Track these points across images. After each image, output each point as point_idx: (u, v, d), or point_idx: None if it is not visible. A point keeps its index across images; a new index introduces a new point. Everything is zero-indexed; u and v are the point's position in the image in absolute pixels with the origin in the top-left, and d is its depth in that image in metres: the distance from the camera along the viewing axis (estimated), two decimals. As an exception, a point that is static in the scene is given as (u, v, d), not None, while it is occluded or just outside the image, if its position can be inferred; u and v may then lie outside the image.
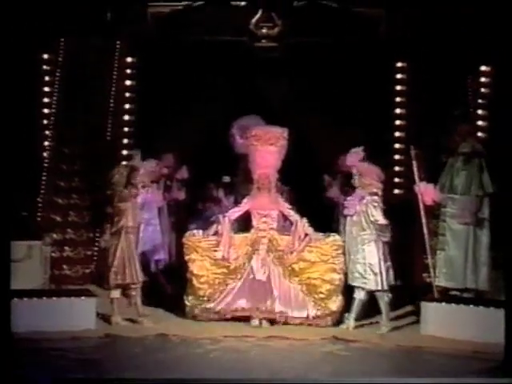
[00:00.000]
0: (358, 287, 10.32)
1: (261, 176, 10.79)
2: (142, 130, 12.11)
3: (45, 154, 11.45)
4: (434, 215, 10.90)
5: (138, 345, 9.78)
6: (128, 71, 12.14)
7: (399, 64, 12.04)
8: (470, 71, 11.46)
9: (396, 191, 12.00)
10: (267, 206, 10.81)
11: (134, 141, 12.09)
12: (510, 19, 9.96)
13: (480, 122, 11.45)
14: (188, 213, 12.31)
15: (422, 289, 10.89)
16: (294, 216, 10.78)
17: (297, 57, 11.93)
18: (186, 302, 10.66)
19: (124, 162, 11.03)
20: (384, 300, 10.36)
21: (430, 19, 11.16)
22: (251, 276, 10.59)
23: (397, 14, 11.30)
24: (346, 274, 10.42)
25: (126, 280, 10.31)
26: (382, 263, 10.29)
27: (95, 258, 11.48)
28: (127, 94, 12.15)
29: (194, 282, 10.60)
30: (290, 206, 10.89)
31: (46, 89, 11.72)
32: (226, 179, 12.36)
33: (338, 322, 10.48)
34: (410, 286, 11.36)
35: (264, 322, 10.50)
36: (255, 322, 10.48)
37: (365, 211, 10.37)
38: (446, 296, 10.45)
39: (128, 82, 12.14)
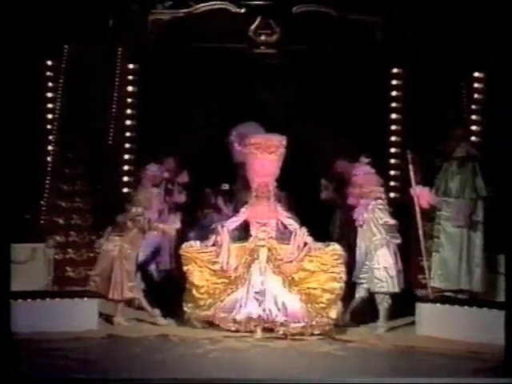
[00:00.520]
0: (377, 293, 10.39)
1: (260, 185, 10.59)
2: (144, 134, 12.11)
3: (48, 159, 11.46)
4: (429, 218, 10.91)
5: (139, 345, 9.79)
6: (129, 77, 12.14)
7: (395, 70, 12.07)
8: (464, 77, 11.49)
9: (392, 195, 12.00)
10: (266, 214, 10.60)
11: (135, 145, 12.11)
12: (506, 22, 10.09)
13: (474, 127, 11.48)
14: (187, 217, 12.24)
15: (418, 290, 10.92)
16: (293, 225, 10.57)
17: (295, 63, 11.94)
18: (186, 309, 10.48)
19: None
20: (383, 305, 10.43)
21: (425, 26, 11.19)
22: (250, 286, 10.36)
23: (393, 21, 11.33)
24: (346, 283, 10.31)
25: (104, 292, 10.38)
26: (395, 266, 10.41)
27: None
28: (129, 100, 12.15)
29: (194, 292, 10.41)
30: (289, 215, 10.70)
31: (50, 94, 11.74)
32: (225, 187, 12.24)
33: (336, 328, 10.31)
34: (405, 288, 11.37)
35: (258, 331, 10.25)
36: (258, 334, 10.22)
37: (372, 216, 10.44)
38: (440, 297, 10.48)
39: (129, 88, 12.14)
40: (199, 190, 12.26)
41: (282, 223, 10.67)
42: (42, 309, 10.05)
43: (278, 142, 10.58)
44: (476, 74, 11.54)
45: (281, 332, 10.18)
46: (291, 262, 10.33)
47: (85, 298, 10.34)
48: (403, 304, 10.61)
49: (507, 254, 8.31)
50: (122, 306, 10.60)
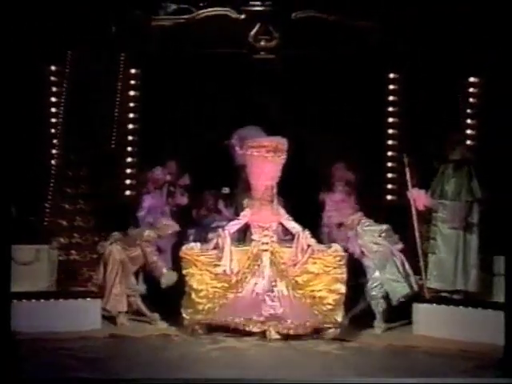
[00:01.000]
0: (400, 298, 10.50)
1: (262, 188, 10.44)
2: (145, 138, 12.14)
3: (52, 162, 11.47)
4: (425, 220, 10.94)
5: (142, 344, 9.87)
6: (132, 82, 12.12)
7: (392, 75, 12.10)
8: (459, 82, 11.52)
9: (389, 197, 12.02)
10: (268, 218, 10.44)
11: (137, 149, 12.13)
12: (502, 24, 10.14)
13: (469, 131, 11.51)
14: (188, 219, 12.21)
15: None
16: (295, 228, 10.42)
17: (294, 68, 11.97)
18: (185, 315, 10.27)
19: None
20: (378, 309, 10.49)
21: (421, 30, 11.19)
22: (253, 290, 10.17)
23: (389, 26, 11.35)
24: (349, 286, 10.28)
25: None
26: (403, 272, 10.59)
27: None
28: (131, 104, 12.13)
29: (193, 296, 10.17)
30: (290, 218, 10.55)
31: (54, 99, 11.73)
32: (226, 190, 12.12)
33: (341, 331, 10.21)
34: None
35: (272, 331, 10.10)
36: (273, 334, 10.06)
37: (367, 239, 10.56)
38: (436, 297, 10.53)
39: (132, 93, 12.12)
40: (199, 193, 12.26)
41: (284, 226, 10.53)
42: (46, 309, 10.13)
43: (279, 144, 10.46)
44: (471, 79, 11.56)
45: (284, 332, 10.08)
46: (295, 265, 10.15)
47: (88, 299, 10.40)
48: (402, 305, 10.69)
49: (507, 255, 8.30)
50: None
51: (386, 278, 10.51)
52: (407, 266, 10.64)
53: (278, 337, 10.05)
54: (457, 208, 10.64)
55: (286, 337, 10.09)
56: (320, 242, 10.72)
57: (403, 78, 11.88)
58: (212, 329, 10.31)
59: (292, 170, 10.98)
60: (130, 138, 12.15)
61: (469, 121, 11.53)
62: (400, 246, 10.74)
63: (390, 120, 12.09)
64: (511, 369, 7.93)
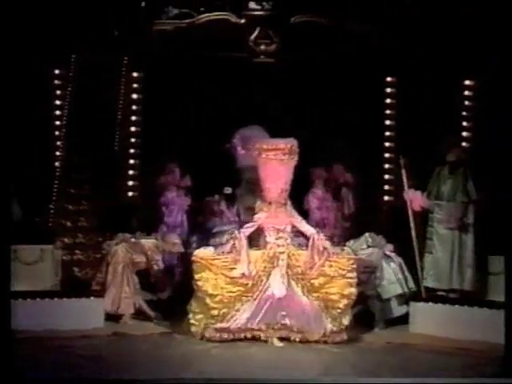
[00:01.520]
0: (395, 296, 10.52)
1: (278, 191, 10.14)
2: (148, 140, 12.16)
3: (56, 164, 11.50)
4: (422, 220, 10.96)
5: (144, 342, 9.87)
6: (134, 85, 12.16)
7: (389, 79, 12.13)
8: (455, 85, 11.55)
9: (386, 198, 12.07)
10: (283, 220, 10.15)
11: (140, 151, 12.16)
12: (499, 27, 10.16)
13: (465, 133, 11.54)
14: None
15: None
16: (310, 230, 10.19)
17: (293, 71, 11.99)
18: (193, 322, 9.90)
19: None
20: (376, 308, 10.51)
21: (422, 34, 11.22)
22: (268, 293, 9.81)
23: (386, 30, 11.37)
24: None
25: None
26: (399, 273, 10.61)
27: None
28: (134, 107, 12.18)
29: (208, 301, 9.76)
30: (304, 220, 10.38)
31: (58, 102, 11.77)
32: (228, 190, 11.99)
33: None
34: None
35: (275, 340, 9.78)
36: (276, 342, 9.74)
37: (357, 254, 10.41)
38: (433, 296, 10.55)
39: (134, 96, 12.17)
40: (202, 195, 12.25)
41: (296, 228, 10.28)
42: (50, 308, 10.12)
43: (293, 146, 10.19)
44: (467, 82, 11.59)
45: (297, 339, 9.79)
46: (311, 267, 9.88)
47: (91, 298, 10.41)
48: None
49: (507, 255, 8.30)
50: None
51: (380, 281, 10.52)
52: (405, 268, 10.66)
53: (281, 344, 9.75)
54: (453, 209, 10.66)
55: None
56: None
57: (400, 81, 11.92)
58: (225, 334, 9.88)
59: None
60: (132, 140, 12.21)
61: (464, 123, 11.56)
62: (390, 246, 10.77)
63: (387, 122, 12.14)
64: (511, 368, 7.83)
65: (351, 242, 10.79)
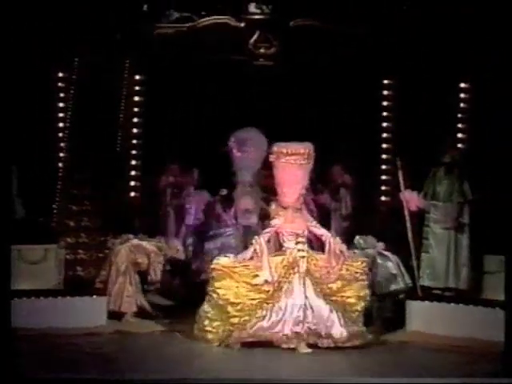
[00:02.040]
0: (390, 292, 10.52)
1: (296, 195, 9.88)
2: (149, 141, 12.18)
3: (60, 165, 11.52)
4: (418, 220, 10.99)
5: (146, 340, 9.91)
6: (136, 88, 12.20)
7: (386, 81, 12.16)
8: (450, 88, 11.58)
9: (383, 198, 12.10)
10: (300, 225, 9.88)
11: (141, 152, 12.18)
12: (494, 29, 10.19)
13: (460, 135, 11.57)
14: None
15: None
16: (326, 234, 9.96)
17: (292, 73, 12.01)
18: (210, 329, 9.58)
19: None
20: (373, 306, 10.53)
21: (421, 34, 11.23)
22: (290, 299, 9.53)
23: (383, 33, 11.40)
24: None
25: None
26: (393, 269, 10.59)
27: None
28: (135, 109, 12.20)
29: (230, 309, 9.50)
30: (318, 224, 10.11)
31: (61, 104, 11.79)
32: (224, 192, 11.89)
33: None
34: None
35: (302, 346, 9.44)
36: (304, 348, 9.40)
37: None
38: (429, 295, 10.58)
39: (136, 98, 12.19)
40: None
41: (312, 232, 10.02)
42: (54, 306, 10.15)
43: (311, 150, 9.97)
44: (462, 85, 11.63)
45: (325, 345, 9.50)
46: (329, 272, 9.68)
47: (94, 296, 10.43)
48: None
49: (507, 255, 8.31)
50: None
51: (375, 277, 10.55)
52: (401, 264, 10.69)
53: (308, 350, 9.44)
54: (448, 209, 10.69)
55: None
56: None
57: (398, 83, 11.95)
58: (246, 341, 9.54)
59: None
60: (134, 141, 12.23)
61: (460, 125, 11.59)
62: (382, 245, 10.78)
63: (384, 124, 12.17)
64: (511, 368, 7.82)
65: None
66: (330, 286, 9.70)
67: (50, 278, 10.53)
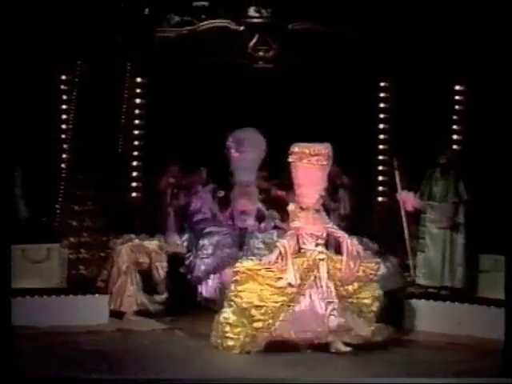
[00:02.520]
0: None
1: (316, 197, 9.68)
2: (150, 143, 12.21)
3: (62, 166, 11.54)
4: (414, 220, 11.02)
5: (147, 338, 9.92)
6: (137, 90, 12.21)
7: (382, 84, 12.19)
8: (446, 90, 11.61)
9: (380, 199, 12.12)
10: (320, 227, 9.68)
11: (142, 153, 12.21)
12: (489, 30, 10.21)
13: (455, 136, 11.60)
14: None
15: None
16: (343, 236, 9.77)
17: (290, 76, 12.04)
18: (231, 335, 9.27)
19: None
20: None
21: (421, 34, 11.26)
22: (310, 301, 9.35)
23: (386, 32, 11.42)
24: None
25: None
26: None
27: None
28: (137, 111, 12.18)
29: (254, 312, 9.23)
30: (335, 226, 9.99)
31: (64, 106, 11.81)
32: (221, 194, 11.84)
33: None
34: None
35: (340, 345, 9.32)
36: (345, 347, 9.28)
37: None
38: (425, 293, 10.61)
39: (137, 100, 12.17)
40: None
41: (331, 234, 9.84)
42: (56, 305, 10.17)
43: (324, 150, 9.76)
44: (457, 87, 11.66)
45: (359, 342, 9.38)
46: (347, 274, 9.50)
47: (96, 295, 10.46)
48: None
49: (507, 255, 8.34)
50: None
51: None
52: (396, 264, 10.72)
53: (348, 349, 9.31)
54: (444, 209, 10.73)
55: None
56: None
57: (394, 85, 11.97)
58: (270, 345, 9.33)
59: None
60: (135, 142, 12.22)
61: (455, 127, 11.63)
62: (375, 246, 10.86)
63: (381, 126, 12.19)
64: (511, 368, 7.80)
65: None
66: (346, 287, 9.52)
67: (53, 276, 10.55)
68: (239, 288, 9.32)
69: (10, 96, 7.85)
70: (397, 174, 10.94)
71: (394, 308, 10.58)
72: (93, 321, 10.19)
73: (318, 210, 9.76)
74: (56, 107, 11.79)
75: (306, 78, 12.14)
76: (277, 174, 12.04)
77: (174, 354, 9.18)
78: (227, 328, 9.29)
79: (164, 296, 10.81)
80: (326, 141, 11.53)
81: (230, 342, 9.25)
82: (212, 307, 10.91)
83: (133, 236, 10.93)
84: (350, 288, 9.52)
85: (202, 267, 11.16)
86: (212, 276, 11.18)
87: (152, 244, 10.88)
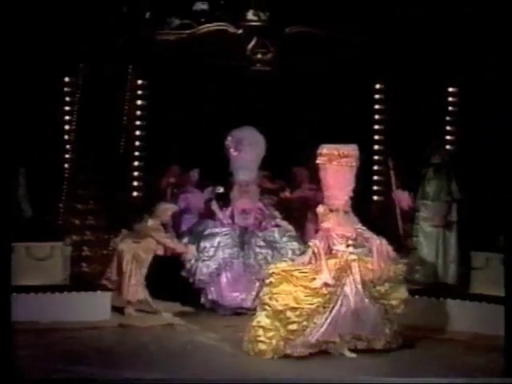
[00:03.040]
0: None
1: (346, 197, 9.41)
2: (152, 143, 12.25)
3: (65, 165, 11.59)
4: (408, 219, 11.08)
5: (148, 333, 9.94)
6: (139, 92, 12.23)
7: (378, 86, 12.24)
8: (439, 92, 11.67)
9: (375, 198, 12.17)
10: (350, 228, 9.40)
11: (143, 153, 12.25)
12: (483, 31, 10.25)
13: (448, 137, 11.65)
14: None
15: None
16: (373, 236, 9.44)
17: (288, 78, 12.08)
18: (264, 339, 8.88)
19: None
20: None
21: (421, 34, 11.30)
22: (344, 304, 9.00)
23: (380, 37, 11.47)
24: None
25: (117, 290, 10.56)
26: None
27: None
28: (138, 112, 12.19)
29: (289, 314, 8.84)
30: (364, 227, 9.55)
31: (67, 108, 11.85)
32: (220, 190, 11.70)
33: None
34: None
35: (346, 351, 9.11)
36: (351, 354, 9.07)
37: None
38: (419, 290, 10.63)
39: (139, 102, 12.19)
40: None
41: (360, 235, 9.48)
42: (60, 301, 10.20)
43: (353, 151, 9.46)
44: (450, 89, 11.73)
45: (363, 347, 9.18)
46: (378, 274, 9.21)
47: (98, 292, 10.50)
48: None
49: (507, 253, 8.39)
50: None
51: None
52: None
53: (353, 355, 9.11)
54: (437, 207, 10.77)
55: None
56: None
57: (389, 88, 12.02)
58: (303, 349, 9.02)
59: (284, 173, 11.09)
60: (136, 143, 12.22)
61: (448, 127, 11.68)
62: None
63: (377, 127, 12.24)
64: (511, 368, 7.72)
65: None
66: (378, 288, 9.21)
67: (57, 274, 10.53)
68: (274, 290, 8.95)
69: (14, 97, 7.90)
70: (392, 173, 10.99)
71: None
72: (95, 317, 10.22)
73: (346, 212, 9.46)
74: (59, 108, 11.82)
75: (303, 79, 12.18)
76: (279, 174, 12.12)
77: (174, 349, 9.21)
78: (260, 332, 8.92)
79: (171, 315, 10.73)
80: (323, 141, 11.64)
81: (262, 347, 8.89)
82: (216, 309, 10.97)
83: (127, 231, 10.90)
84: (382, 289, 9.24)
85: (205, 270, 11.00)
86: (216, 279, 11.04)
87: (145, 225, 10.80)
